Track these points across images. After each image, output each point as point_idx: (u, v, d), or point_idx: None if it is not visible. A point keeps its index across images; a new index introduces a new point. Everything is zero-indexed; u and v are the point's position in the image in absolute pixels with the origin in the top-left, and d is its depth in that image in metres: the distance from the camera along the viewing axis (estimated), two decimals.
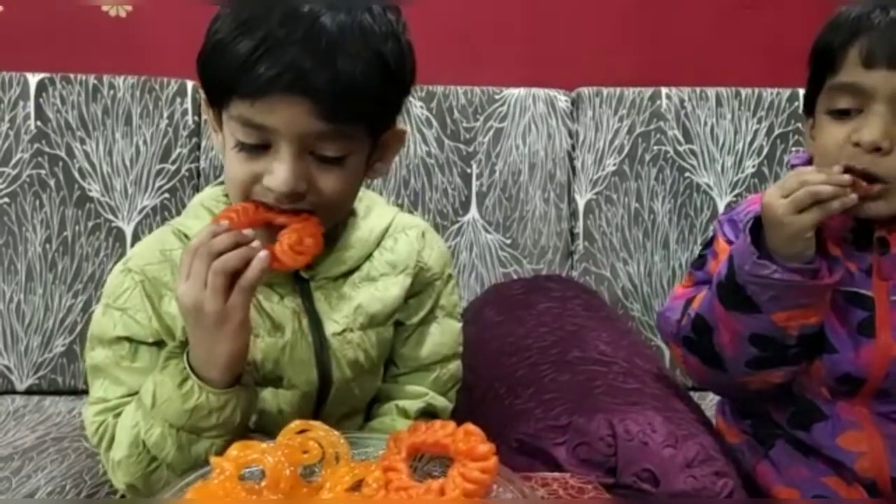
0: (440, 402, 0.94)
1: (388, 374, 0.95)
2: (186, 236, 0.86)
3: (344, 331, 0.86)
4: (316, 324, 0.85)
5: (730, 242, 0.95)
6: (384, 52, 0.75)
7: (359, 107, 0.74)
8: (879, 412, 0.90)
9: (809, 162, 0.93)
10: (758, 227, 0.85)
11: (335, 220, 0.85)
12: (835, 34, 0.85)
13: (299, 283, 0.86)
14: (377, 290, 0.88)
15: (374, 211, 0.91)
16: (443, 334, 0.95)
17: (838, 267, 0.86)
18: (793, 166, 0.96)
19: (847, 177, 0.82)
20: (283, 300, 0.85)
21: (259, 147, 0.76)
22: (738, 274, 0.85)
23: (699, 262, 0.99)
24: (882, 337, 0.88)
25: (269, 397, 0.85)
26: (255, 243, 0.74)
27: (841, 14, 0.86)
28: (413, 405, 0.92)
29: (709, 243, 1.00)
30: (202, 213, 0.87)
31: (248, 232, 0.74)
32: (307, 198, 0.77)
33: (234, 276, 0.73)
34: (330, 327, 0.85)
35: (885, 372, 0.88)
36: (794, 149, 1.45)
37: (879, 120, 0.82)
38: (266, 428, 0.84)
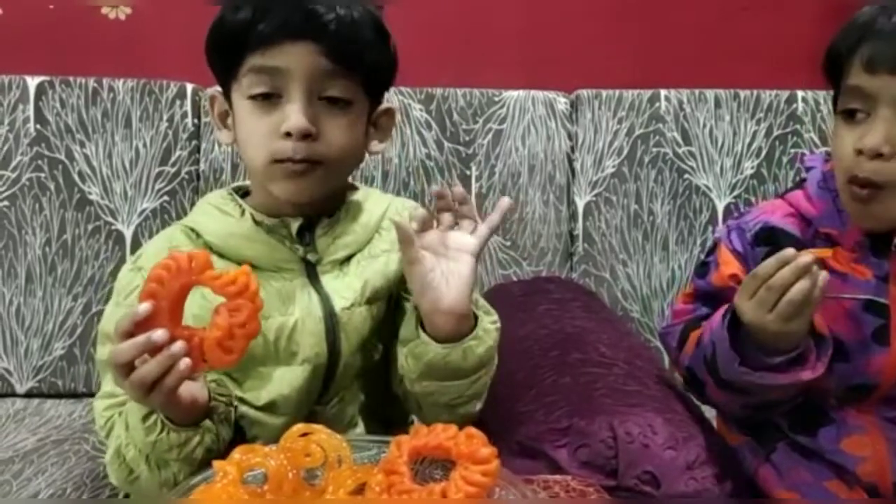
0: None
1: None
2: (195, 231, 0.89)
3: (352, 305, 0.89)
4: (324, 300, 0.88)
5: (735, 252, 0.94)
6: (374, 12, 0.86)
7: (358, 49, 0.84)
8: (886, 417, 0.90)
9: (825, 161, 0.93)
10: (736, 321, 0.84)
11: (340, 178, 0.91)
12: (843, 39, 0.86)
13: (306, 265, 0.89)
14: (380, 266, 0.92)
15: (372, 199, 0.97)
16: None
17: (825, 347, 0.85)
18: (808, 169, 0.96)
19: (808, 257, 0.78)
20: (291, 281, 0.88)
21: (271, 97, 0.83)
22: (722, 371, 0.85)
23: (702, 271, 0.98)
24: None
25: (279, 376, 0.87)
26: (176, 346, 0.69)
27: (852, 19, 0.87)
28: None
29: (711, 251, 0.99)
30: (210, 209, 0.91)
31: (159, 335, 0.69)
32: (318, 145, 0.83)
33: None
34: (339, 303, 0.88)
35: None
36: (792, 150, 1.45)
37: (882, 125, 0.82)
38: (278, 407, 0.86)
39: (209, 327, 0.71)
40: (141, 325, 0.70)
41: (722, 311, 0.88)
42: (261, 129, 0.83)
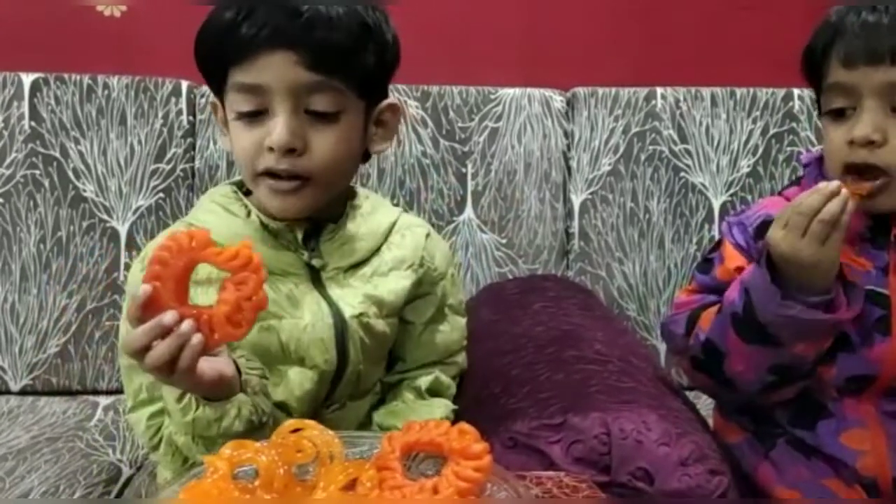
0: (446, 379, 0.99)
1: (397, 370, 0.99)
2: None
3: (361, 314, 0.89)
4: (333, 306, 0.88)
5: (738, 246, 0.95)
6: (358, 9, 0.82)
7: (340, 57, 0.80)
8: (885, 411, 0.91)
9: (819, 160, 0.95)
10: (772, 260, 0.85)
11: (333, 190, 0.89)
12: (818, 39, 0.90)
13: (311, 271, 0.89)
14: (388, 283, 0.92)
15: (381, 209, 0.96)
16: (451, 331, 1.00)
17: (856, 294, 0.86)
18: (805, 165, 0.97)
19: (835, 183, 0.82)
20: (298, 286, 0.87)
21: (258, 114, 0.81)
22: (759, 312, 0.85)
23: (705, 267, 0.99)
24: None
25: (293, 376, 0.87)
26: (185, 326, 0.69)
27: (824, 19, 0.90)
28: (424, 381, 0.96)
29: (715, 247, 0.99)
30: (215, 208, 0.90)
31: (168, 318, 0.69)
32: (304, 160, 0.82)
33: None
34: (347, 311, 0.88)
35: None
36: (789, 148, 1.45)
37: (869, 115, 0.85)
38: (288, 408, 0.87)
39: (216, 303, 0.71)
40: (148, 307, 0.70)
41: (746, 270, 0.89)
42: (247, 143, 0.83)
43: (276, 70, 0.79)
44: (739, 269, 0.93)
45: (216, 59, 0.82)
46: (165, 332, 0.69)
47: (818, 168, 0.95)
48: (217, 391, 0.76)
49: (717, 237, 1.42)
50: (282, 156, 0.81)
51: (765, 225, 0.93)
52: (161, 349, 0.69)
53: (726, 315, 0.89)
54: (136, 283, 0.85)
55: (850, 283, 0.86)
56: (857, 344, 0.89)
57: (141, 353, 0.70)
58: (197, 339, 0.69)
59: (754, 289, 0.86)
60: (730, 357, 0.90)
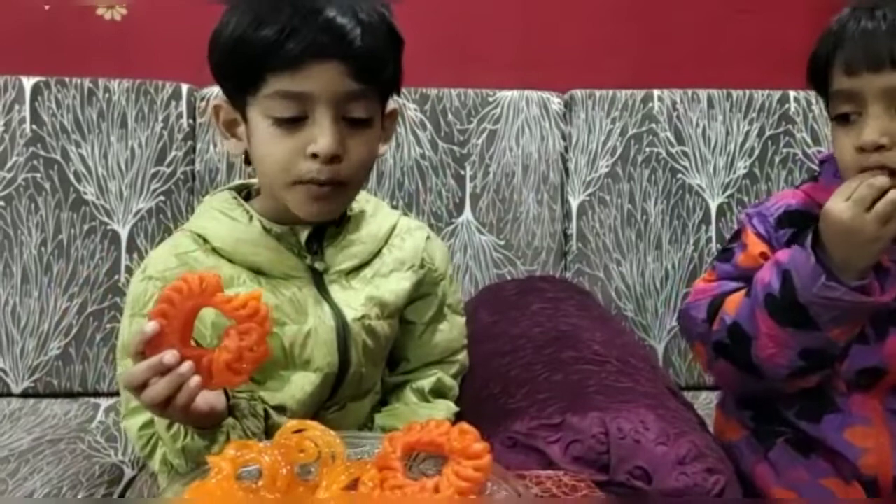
0: (449, 381, 1.01)
1: (400, 370, 1.01)
2: (202, 237, 0.88)
3: (363, 317, 0.90)
4: (336, 310, 0.89)
5: (759, 234, 0.96)
6: (389, 18, 0.84)
7: (380, 65, 0.83)
8: (892, 409, 0.92)
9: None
10: (814, 242, 0.86)
11: (358, 191, 0.91)
12: (820, 48, 0.91)
13: (314, 274, 0.89)
14: (389, 284, 0.93)
15: (381, 212, 0.97)
16: (451, 330, 1.02)
17: (889, 279, 0.86)
18: (822, 161, 0.98)
19: None
20: (301, 290, 0.88)
21: (295, 121, 0.81)
22: (800, 294, 0.86)
23: (725, 256, 1.00)
24: None
25: (296, 380, 0.88)
26: (184, 367, 0.70)
27: (827, 28, 0.91)
28: (426, 383, 0.98)
29: (734, 237, 1.01)
30: (217, 214, 0.90)
31: (169, 358, 0.70)
32: (343, 166, 0.82)
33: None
34: (349, 314, 0.89)
35: None
36: (784, 150, 1.46)
37: (875, 121, 0.85)
38: (287, 410, 0.87)
39: (219, 349, 0.72)
40: (151, 344, 0.71)
41: (776, 255, 0.90)
42: (284, 149, 0.81)
43: (323, 79, 0.79)
44: (764, 255, 0.94)
45: (255, 66, 0.80)
46: (165, 370, 0.70)
47: (835, 164, 0.94)
48: (207, 423, 0.77)
49: (713, 238, 1.44)
50: (325, 163, 0.81)
51: (786, 215, 0.95)
52: (159, 387, 0.71)
53: (758, 297, 0.89)
54: (140, 299, 0.86)
55: (882, 268, 0.87)
56: (872, 336, 0.90)
57: (139, 388, 0.71)
58: (195, 381, 0.71)
59: (796, 270, 0.86)
60: (758, 341, 0.90)
